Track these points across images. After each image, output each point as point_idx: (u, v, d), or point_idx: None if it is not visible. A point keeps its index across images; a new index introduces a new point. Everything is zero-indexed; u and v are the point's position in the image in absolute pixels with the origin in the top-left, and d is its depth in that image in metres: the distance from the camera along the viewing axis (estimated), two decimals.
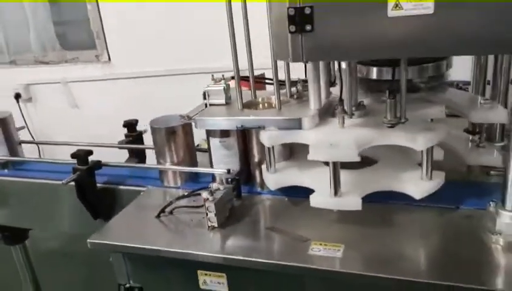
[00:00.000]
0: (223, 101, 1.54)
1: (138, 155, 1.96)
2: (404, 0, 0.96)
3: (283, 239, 1.30)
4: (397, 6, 0.97)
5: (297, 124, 1.34)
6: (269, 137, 1.37)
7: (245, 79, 1.53)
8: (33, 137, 3.35)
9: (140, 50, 3.43)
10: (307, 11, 1.03)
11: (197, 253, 1.28)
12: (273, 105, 1.48)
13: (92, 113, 3.73)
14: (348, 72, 1.23)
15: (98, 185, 1.73)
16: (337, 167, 1.25)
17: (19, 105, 3.86)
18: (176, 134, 1.63)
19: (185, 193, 1.56)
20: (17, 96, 3.86)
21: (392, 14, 0.98)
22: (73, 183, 1.65)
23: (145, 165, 1.77)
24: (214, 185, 1.42)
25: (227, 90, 1.54)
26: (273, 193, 1.52)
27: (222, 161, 1.53)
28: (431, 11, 0.95)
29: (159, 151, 1.66)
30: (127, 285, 1.43)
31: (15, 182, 1.90)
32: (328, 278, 1.19)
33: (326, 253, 1.20)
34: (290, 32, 1.06)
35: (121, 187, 1.74)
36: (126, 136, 1.98)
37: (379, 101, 1.47)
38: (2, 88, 3.80)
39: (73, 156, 1.65)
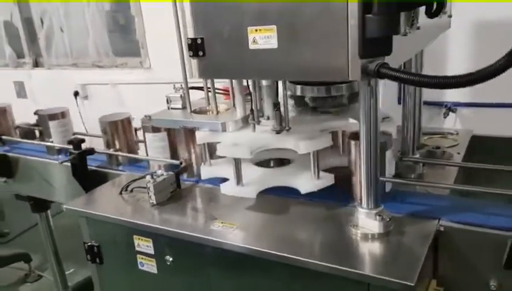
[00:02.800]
0: (180, 106, 1.91)
1: None
2: (258, 35, 1.28)
3: (199, 217, 1.65)
4: (254, 41, 1.29)
5: (222, 127, 1.69)
6: (200, 137, 1.72)
7: (195, 88, 1.89)
8: (86, 129, 3.92)
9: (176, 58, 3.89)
10: (199, 41, 1.38)
11: (133, 221, 1.66)
12: (217, 111, 1.84)
13: (135, 112, 4.25)
14: (238, 89, 1.56)
15: (91, 167, 2.17)
16: (238, 162, 1.58)
17: (76, 101, 4.48)
18: None
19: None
20: (76, 94, 4.48)
21: (252, 47, 1.30)
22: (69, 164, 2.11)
23: (125, 154, 2.18)
24: (159, 172, 1.80)
25: (183, 97, 1.91)
26: (212, 182, 1.86)
27: (155, 152, 1.90)
28: (275, 46, 1.27)
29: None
30: (89, 244, 1.84)
31: (33, 161, 2.41)
32: (219, 248, 1.51)
33: (221, 229, 1.53)
34: (190, 56, 1.42)
35: (107, 170, 2.17)
36: None
37: (304, 113, 1.79)
38: (65, 86, 4.46)
39: (69, 142, 2.10)
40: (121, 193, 1.87)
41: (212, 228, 1.54)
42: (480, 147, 2.15)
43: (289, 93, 1.72)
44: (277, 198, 1.67)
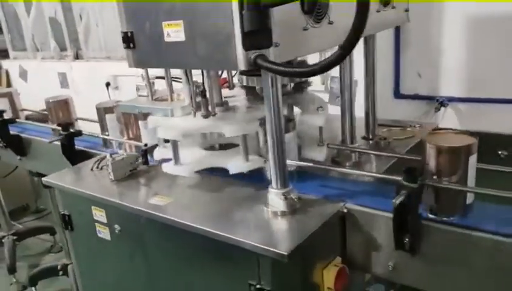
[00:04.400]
0: (146, 94, 2.12)
1: None
2: (170, 29, 1.45)
3: (144, 192, 1.85)
4: (168, 34, 1.47)
5: (170, 112, 1.87)
6: (151, 121, 1.92)
7: (161, 78, 2.09)
8: None
9: None
10: (129, 34, 1.58)
11: (90, 193, 1.89)
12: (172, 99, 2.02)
13: None
14: (184, 79, 1.73)
15: (78, 147, 2.43)
16: (176, 144, 1.76)
17: (108, 92, 4.84)
18: None
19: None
20: (108, 84, 4.83)
21: (166, 40, 1.48)
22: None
23: (102, 136, 2.42)
24: (120, 152, 2.02)
25: (149, 86, 2.11)
26: None
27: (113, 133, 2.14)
28: (183, 39, 1.43)
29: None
30: (62, 213, 2.09)
31: (38, 141, 2.72)
32: (152, 219, 1.70)
33: (157, 203, 1.72)
34: (124, 48, 1.61)
35: (92, 150, 2.42)
36: None
37: (251, 102, 1.94)
38: (101, 77, 4.84)
39: (58, 125, 2.37)
40: (92, 170, 2.11)
41: (150, 202, 1.73)
42: None
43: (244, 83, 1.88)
44: (217, 178, 1.83)
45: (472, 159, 1.36)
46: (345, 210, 1.55)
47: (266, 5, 1.22)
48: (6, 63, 6.03)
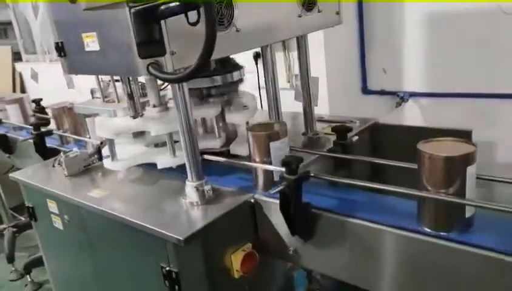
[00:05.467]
0: (99, 96, 2.31)
1: None
2: (89, 40, 1.63)
3: (88, 186, 2.04)
4: (87, 45, 1.65)
5: (113, 113, 2.06)
6: (97, 121, 2.11)
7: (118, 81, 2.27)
8: None
9: None
10: (60, 44, 1.77)
11: (44, 187, 2.10)
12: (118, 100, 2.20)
13: None
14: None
15: (52, 145, 2.65)
16: (112, 141, 1.94)
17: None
18: None
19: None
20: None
21: (87, 49, 1.66)
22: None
23: (72, 136, 2.63)
24: (74, 149, 2.22)
25: (100, 89, 2.30)
26: None
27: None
28: (98, 48, 1.61)
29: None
30: (27, 205, 2.31)
31: (17, 139, 2.98)
32: (88, 209, 1.88)
33: (94, 194, 1.92)
34: (57, 56, 1.80)
35: (61, 148, 2.63)
36: None
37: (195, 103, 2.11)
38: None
39: (30, 124, 2.60)
40: (53, 166, 2.32)
41: (88, 194, 1.92)
42: (374, 134, 2.31)
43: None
44: (157, 173, 2.00)
45: (471, 169, 1.26)
46: (252, 201, 1.70)
47: (155, 19, 1.38)
48: (19, 66, 6.36)
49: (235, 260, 1.66)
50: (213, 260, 1.63)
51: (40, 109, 3.20)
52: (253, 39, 1.79)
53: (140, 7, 1.37)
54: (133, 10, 1.37)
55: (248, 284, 1.74)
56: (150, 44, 1.44)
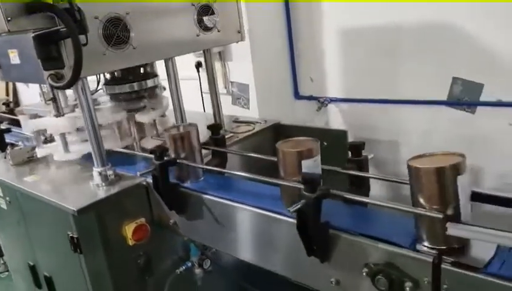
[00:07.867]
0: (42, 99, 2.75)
1: None
2: (13, 55, 2.08)
3: (26, 172, 2.48)
4: (12, 59, 2.09)
5: (48, 113, 2.50)
6: (36, 121, 2.55)
7: None
8: None
9: None
10: None
11: None
12: None
13: None
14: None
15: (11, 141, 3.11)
16: (63, 136, 2.39)
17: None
18: None
19: None
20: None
21: (12, 62, 2.10)
22: None
23: (17, 130, 3.09)
24: (20, 143, 2.68)
25: (42, 92, 2.74)
26: None
27: None
28: (19, 62, 2.05)
29: None
30: None
31: None
32: (21, 192, 2.32)
33: (28, 179, 2.35)
34: None
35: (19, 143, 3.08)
36: None
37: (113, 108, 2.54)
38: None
39: None
40: (5, 157, 2.77)
41: (23, 179, 2.36)
42: (273, 132, 2.74)
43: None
44: (82, 162, 2.44)
45: (462, 179, 1.23)
46: (145, 183, 2.13)
47: (52, 41, 1.82)
48: None
49: (128, 231, 2.08)
50: (108, 229, 2.06)
51: (9, 110, 3.66)
52: (149, 54, 2.22)
53: (39, 32, 1.81)
54: (32, 35, 1.81)
55: (142, 250, 2.16)
56: (50, 60, 1.88)
